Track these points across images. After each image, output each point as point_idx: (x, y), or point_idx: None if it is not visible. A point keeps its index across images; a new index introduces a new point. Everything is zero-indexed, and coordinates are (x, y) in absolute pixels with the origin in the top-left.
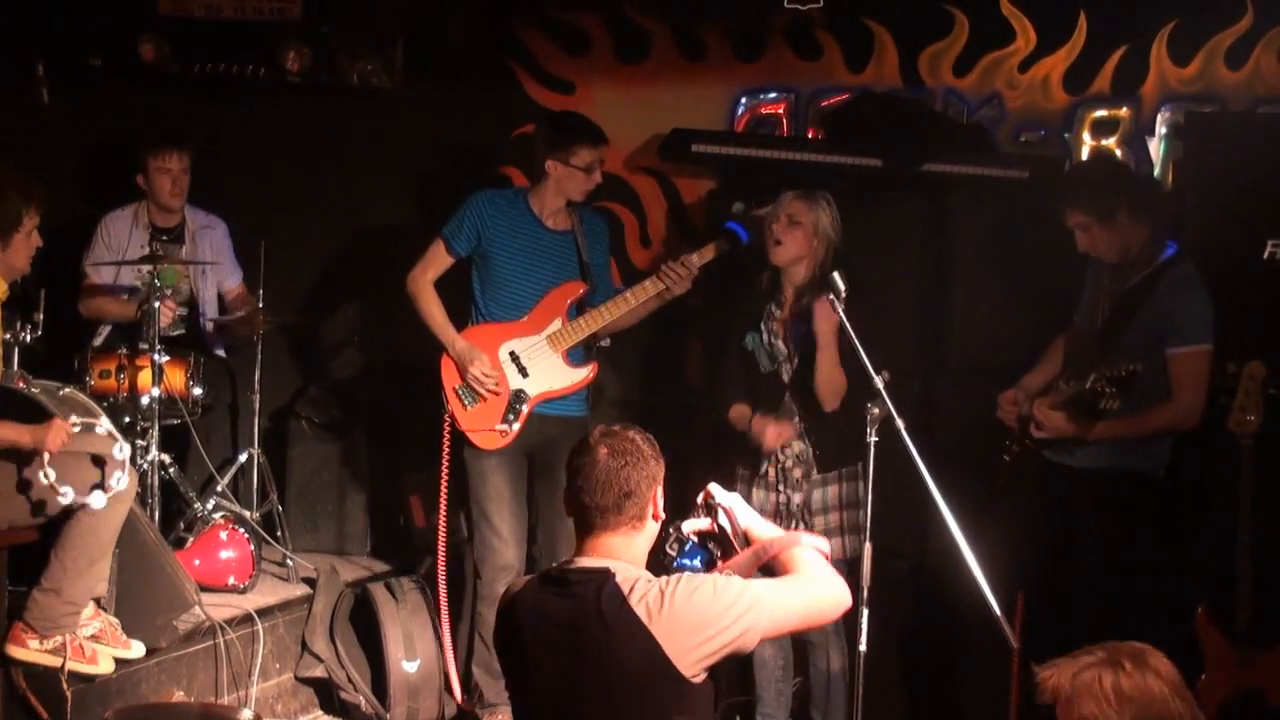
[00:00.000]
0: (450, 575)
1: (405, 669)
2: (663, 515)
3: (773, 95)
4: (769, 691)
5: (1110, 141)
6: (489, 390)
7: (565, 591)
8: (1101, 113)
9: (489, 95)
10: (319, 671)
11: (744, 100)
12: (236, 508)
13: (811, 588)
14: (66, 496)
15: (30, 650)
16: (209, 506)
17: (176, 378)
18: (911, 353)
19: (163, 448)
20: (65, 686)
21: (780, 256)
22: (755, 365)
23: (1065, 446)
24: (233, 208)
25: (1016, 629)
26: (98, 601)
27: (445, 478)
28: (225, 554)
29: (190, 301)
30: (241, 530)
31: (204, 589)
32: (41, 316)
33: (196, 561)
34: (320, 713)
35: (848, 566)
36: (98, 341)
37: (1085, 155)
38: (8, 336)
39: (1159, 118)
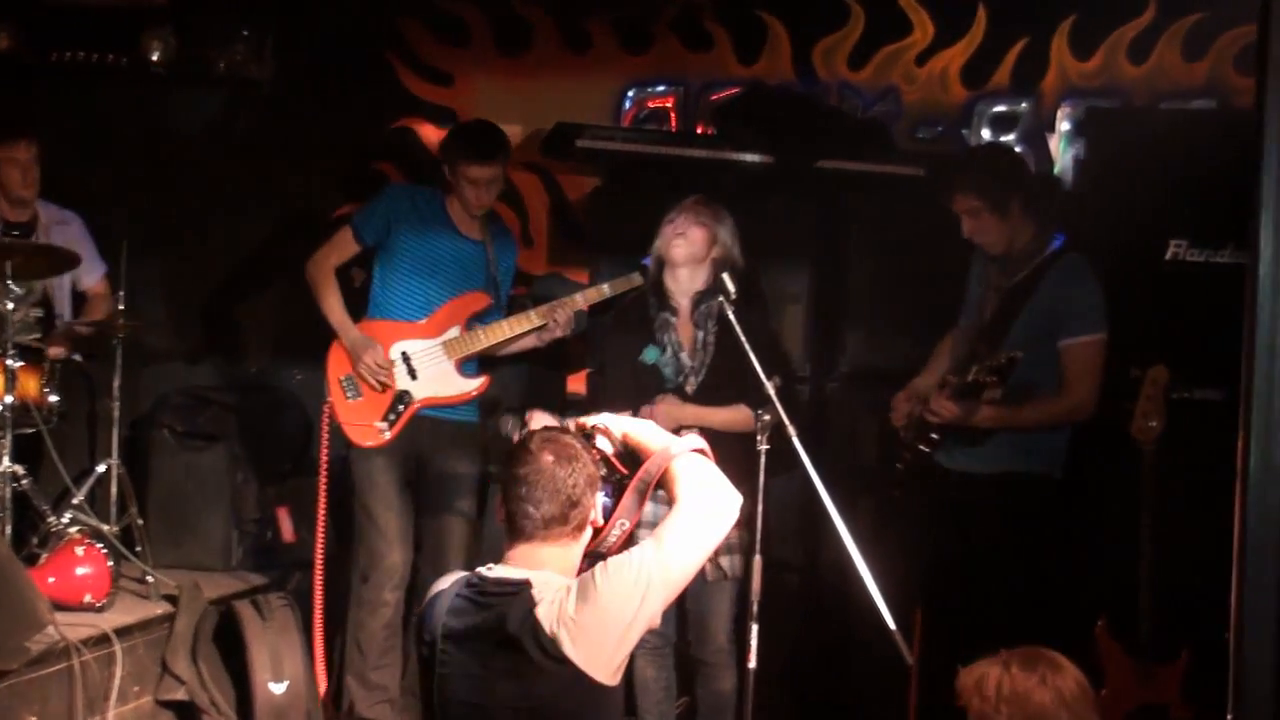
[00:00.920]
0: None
1: (272, 691)
2: (600, 521)
3: (661, 88)
4: (651, 715)
5: (1010, 138)
6: (377, 382)
7: (483, 600)
8: (1001, 108)
9: (365, 87)
10: (180, 695)
11: (631, 93)
12: (94, 521)
13: (695, 521)
14: None
15: None
16: (64, 520)
17: (30, 384)
18: (804, 357)
19: (15, 458)
20: None
21: (680, 252)
22: (658, 379)
23: (959, 451)
24: (92, 204)
25: (915, 643)
26: None
27: (324, 471)
28: (81, 570)
29: (44, 302)
30: (99, 545)
31: (58, 607)
32: None
33: (51, 579)
34: None
35: (737, 585)
36: None
37: None
38: None
39: (1060, 113)
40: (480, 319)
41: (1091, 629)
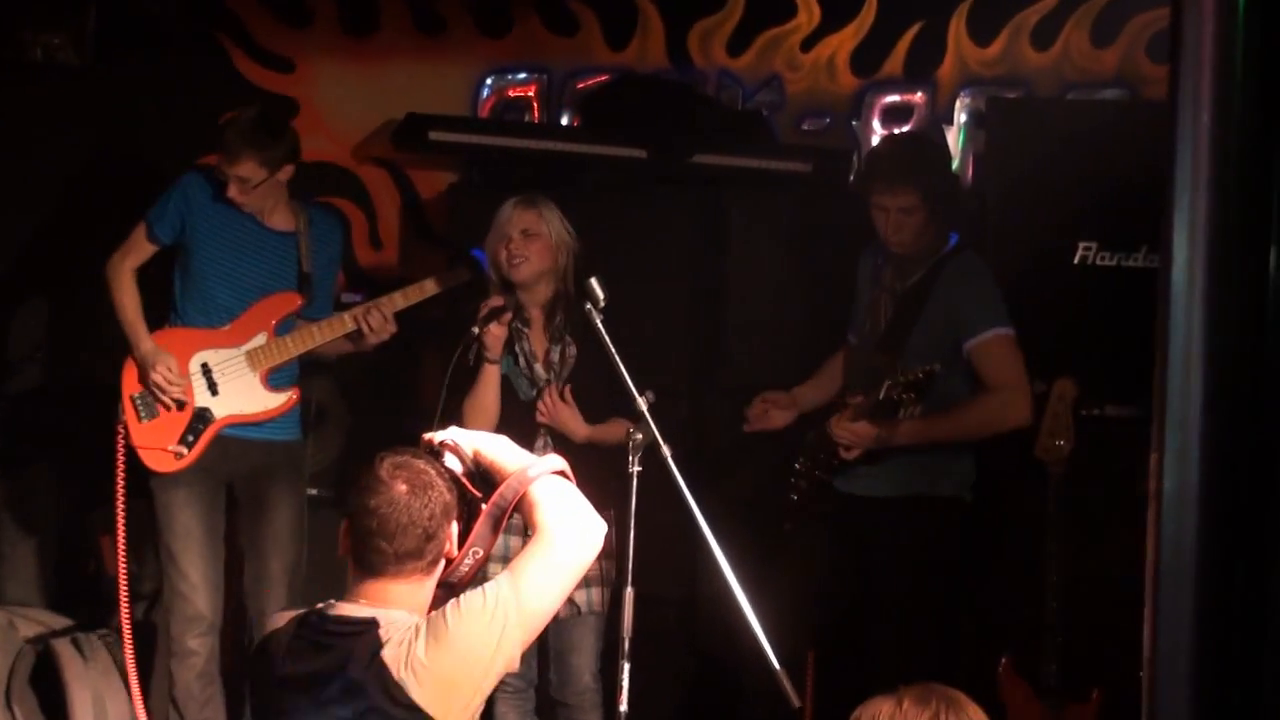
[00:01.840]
0: (148, 621)
1: None
2: (455, 554)
3: (522, 76)
4: None
5: (903, 131)
6: (171, 400)
7: (322, 642)
8: (894, 98)
9: (195, 73)
10: None
11: (490, 81)
12: None
13: (556, 551)
14: None
15: None
16: None
17: None
18: (679, 370)
19: None
20: None
21: (524, 272)
22: (511, 392)
23: (859, 473)
24: None
25: (808, 684)
26: None
27: (121, 502)
28: None
29: None
30: None
31: None
32: None
33: None
34: None
35: (602, 620)
36: None
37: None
38: None
39: (958, 104)
40: (292, 323)
41: (994, 668)
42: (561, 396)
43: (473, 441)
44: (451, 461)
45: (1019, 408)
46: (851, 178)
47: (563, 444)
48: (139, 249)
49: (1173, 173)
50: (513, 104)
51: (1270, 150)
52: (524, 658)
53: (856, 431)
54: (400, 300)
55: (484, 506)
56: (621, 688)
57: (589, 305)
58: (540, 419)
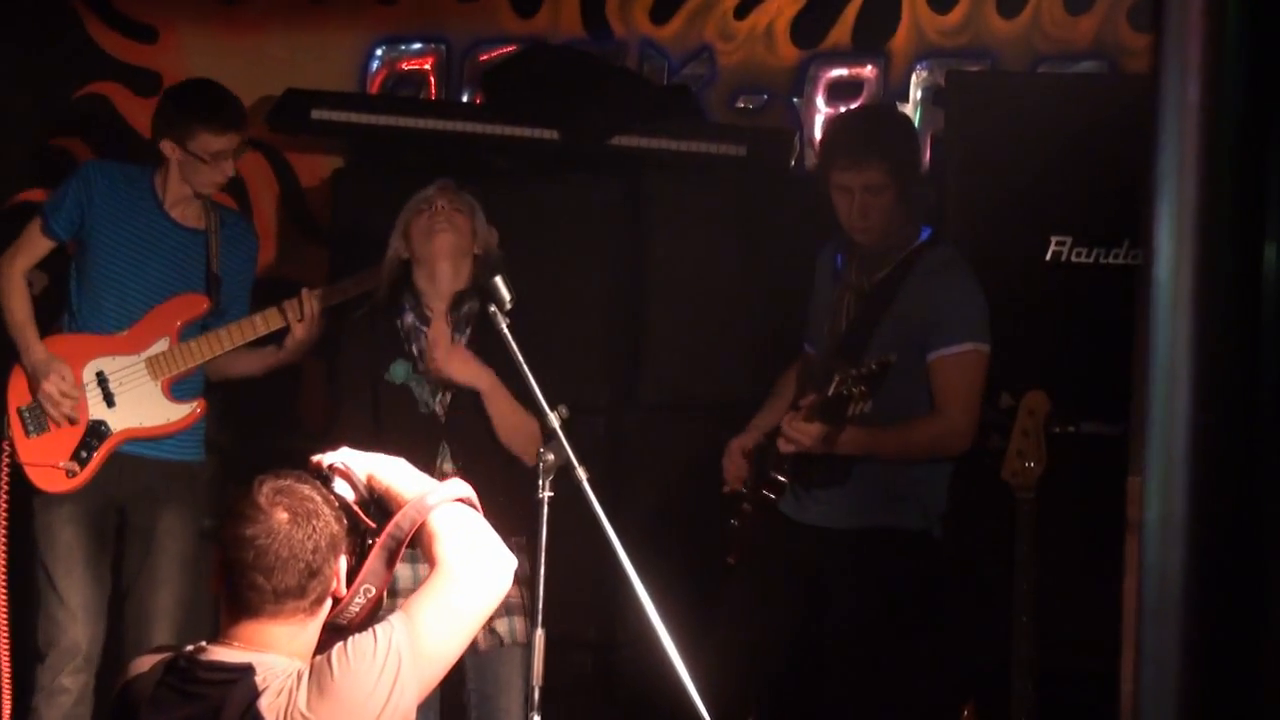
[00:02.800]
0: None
1: None
2: (343, 592)
3: (417, 47)
4: None
5: (851, 109)
6: (63, 415)
7: (190, 690)
8: (840, 72)
9: (42, 43)
10: None
11: (380, 53)
12: None
13: (457, 589)
14: None
15: None
16: None
17: None
18: (596, 381)
19: None
20: None
21: (445, 241)
22: (410, 404)
23: (814, 501)
24: None
25: None
26: None
27: (4, 525)
28: None
29: None
30: None
31: None
32: None
33: None
34: None
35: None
36: None
37: (819, 125)
38: None
39: (914, 78)
40: (198, 328)
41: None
42: None
43: (366, 465)
44: (341, 487)
45: (962, 440)
46: (792, 162)
47: (469, 466)
48: (32, 246)
49: (1156, 156)
50: (406, 78)
51: (1267, 130)
52: (423, 709)
53: (800, 430)
54: (328, 296)
55: (378, 539)
56: None
57: (493, 308)
58: (432, 367)
